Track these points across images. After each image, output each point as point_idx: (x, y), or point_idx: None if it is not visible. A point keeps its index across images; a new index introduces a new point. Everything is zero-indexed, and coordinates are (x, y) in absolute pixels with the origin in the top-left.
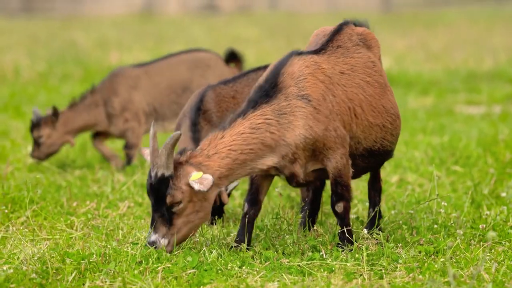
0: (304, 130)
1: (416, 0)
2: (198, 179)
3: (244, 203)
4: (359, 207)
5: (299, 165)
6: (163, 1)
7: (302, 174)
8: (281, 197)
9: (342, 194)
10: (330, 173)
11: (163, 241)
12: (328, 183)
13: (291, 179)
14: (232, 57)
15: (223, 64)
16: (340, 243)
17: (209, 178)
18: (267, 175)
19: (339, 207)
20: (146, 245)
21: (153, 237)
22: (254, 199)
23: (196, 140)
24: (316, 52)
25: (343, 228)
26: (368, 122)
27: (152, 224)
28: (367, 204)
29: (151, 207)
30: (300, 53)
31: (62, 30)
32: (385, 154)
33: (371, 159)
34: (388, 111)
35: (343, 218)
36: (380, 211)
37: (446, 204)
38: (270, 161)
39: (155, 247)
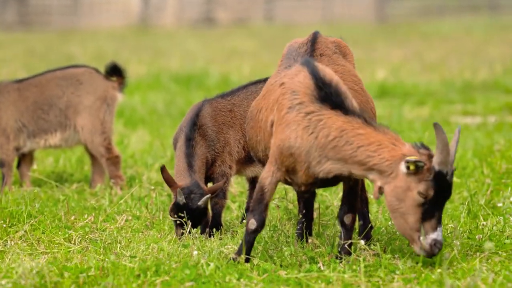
0: None
1: (411, 10)
2: None
3: (249, 219)
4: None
5: None
6: (160, 13)
7: None
8: (278, 209)
9: (354, 205)
10: (352, 181)
11: None
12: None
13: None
14: (114, 71)
15: (100, 79)
16: (339, 254)
17: None
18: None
19: (348, 218)
20: (437, 246)
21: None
22: (263, 218)
23: (190, 156)
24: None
25: (348, 239)
26: None
27: (439, 222)
28: None
29: (440, 205)
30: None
31: (58, 43)
32: None
33: None
34: None
35: (350, 230)
36: (370, 220)
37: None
38: None
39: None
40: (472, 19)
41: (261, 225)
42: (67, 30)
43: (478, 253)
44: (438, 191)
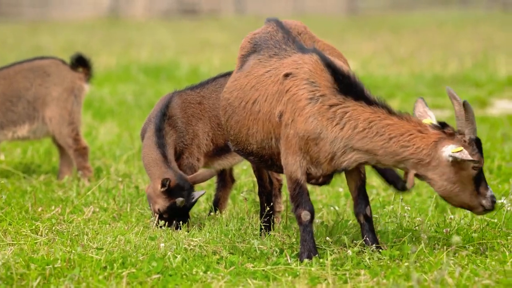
0: None
1: (382, 3)
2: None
3: (300, 213)
4: (324, 212)
5: None
6: (130, 4)
7: None
8: (246, 202)
9: (367, 197)
10: (362, 174)
11: None
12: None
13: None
14: (80, 62)
15: (67, 70)
16: (379, 245)
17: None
18: None
19: (368, 209)
20: (494, 199)
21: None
22: (312, 206)
23: (161, 145)
24: None
25: (373, 230)
26: None
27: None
28: (332, 208)
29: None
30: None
31: (29, 34)
32: None
33: None
34: None
35: (371, 221)
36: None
37: (410, 208)
38: None
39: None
40: (442, 12)
41: (313, 214)
42: (37, 21)
43: (445, 247)
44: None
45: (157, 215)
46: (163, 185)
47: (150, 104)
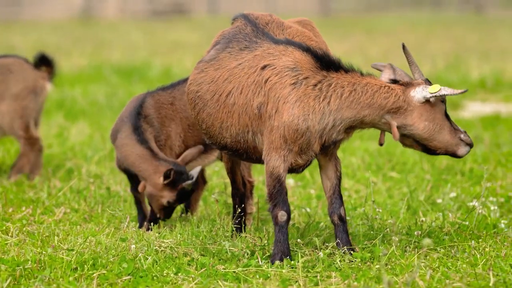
0: None
1: (355, 5)
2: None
3: (277, 213)
4: (296, 213)
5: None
6: (102, 5)
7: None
8: (217, 203)
9: (342, 196)
10: (338, 172)
11: None
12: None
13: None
14: (43, 61)
15: (30, 69)
16: (351, 246)
17: None
18: None
19: (343, 210)
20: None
21: None
22: (289, 206)
23: (144, 141)
24: None
25: (347, 231)
26: None
27: None
28: (304, 210)
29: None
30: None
31: (0, 34)
32: None
33: None
34: None
35: (346, 222)
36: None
37: (381, 210)
38: None
39: None
40: (415, 14)
41: (289, 214)
42: (9, 21)
43: (416, 249)
44: None
45: (161, 210)
46: (166, 177)
47: (122, 105)
